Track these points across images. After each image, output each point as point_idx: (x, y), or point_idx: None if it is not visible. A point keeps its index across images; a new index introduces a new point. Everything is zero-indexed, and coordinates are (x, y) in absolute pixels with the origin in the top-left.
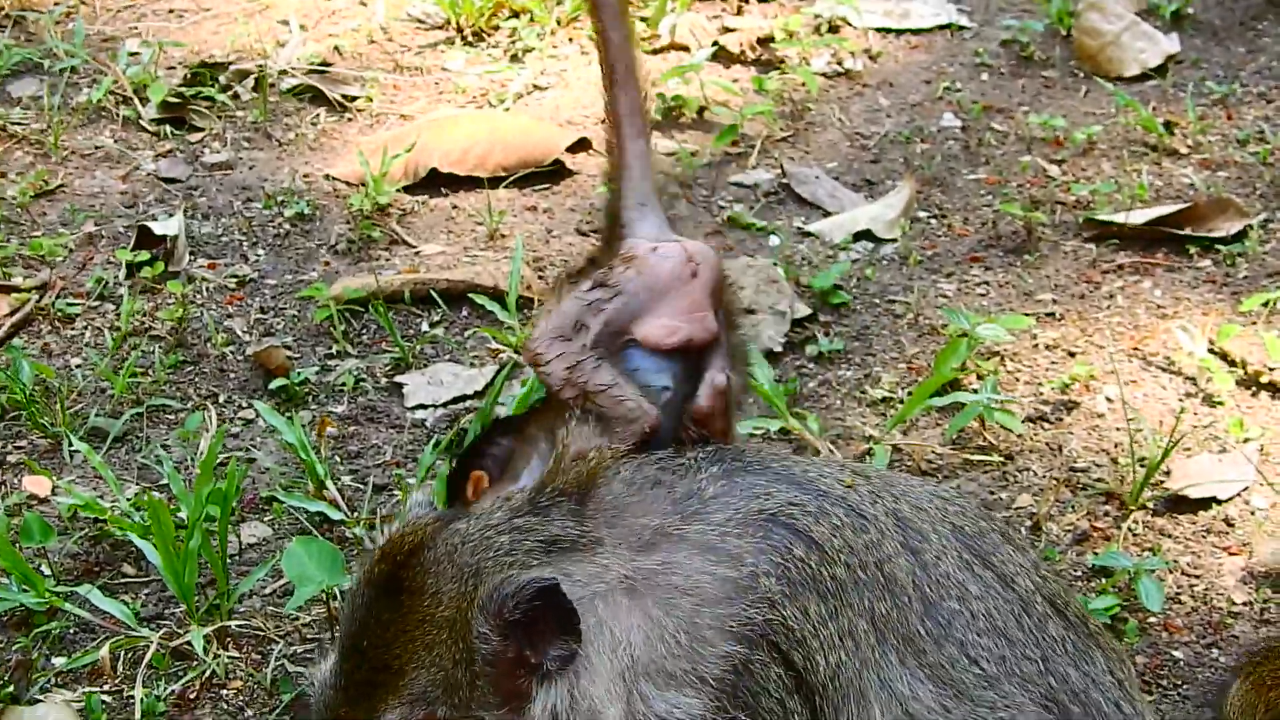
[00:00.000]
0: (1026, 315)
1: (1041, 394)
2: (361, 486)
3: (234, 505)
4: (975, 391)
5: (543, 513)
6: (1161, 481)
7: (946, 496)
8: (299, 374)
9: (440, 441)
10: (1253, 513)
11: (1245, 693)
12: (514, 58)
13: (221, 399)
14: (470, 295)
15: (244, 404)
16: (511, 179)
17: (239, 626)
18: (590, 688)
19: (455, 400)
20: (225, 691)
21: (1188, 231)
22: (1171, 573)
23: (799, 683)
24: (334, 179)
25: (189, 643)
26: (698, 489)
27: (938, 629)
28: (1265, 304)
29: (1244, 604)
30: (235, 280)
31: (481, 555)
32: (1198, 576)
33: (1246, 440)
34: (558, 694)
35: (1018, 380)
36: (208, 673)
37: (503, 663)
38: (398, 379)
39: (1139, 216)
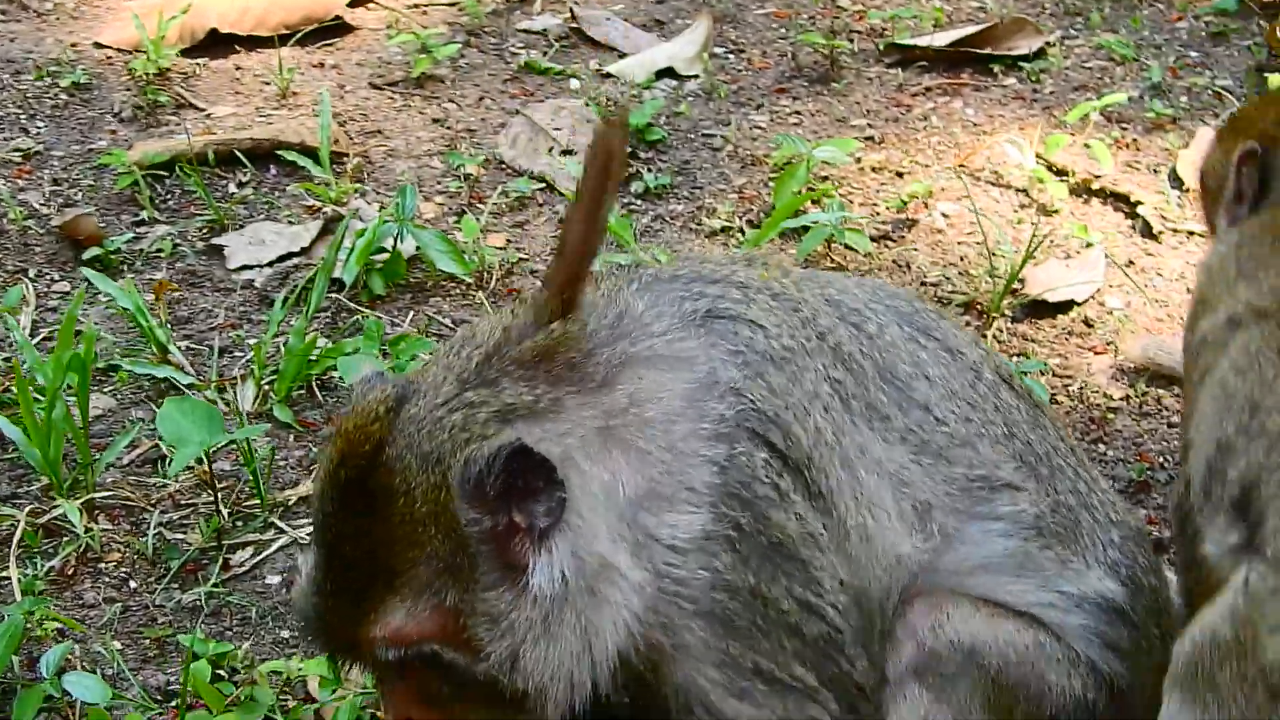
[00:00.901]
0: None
1: (879, 214)
2: (201, 349)
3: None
4: (821, 214)
5: (491, 384)
6: (1017, 289)
7: (875, 284)
8: (111, 243)
9: (277, 300)
10: (1110, 312)
11: None
12: None
13: (32, 273)
14: (277, 153)
15: (56, 277)
16: (295, 37)
17: (106, 498)
18: (593, 543)
19: (281, 259)
20: (104, 565)
21: (989, 51)
22: (1044, 375)
23: (785, 462)
24: (105, 46)
25: (57, 519)
26: (627, 309)
27: (898, 394)
28: (1084, 116)
29: (1121, 399)
30: (20, 154)
31: (439, 440)
32: (1070, 377)
33: (1089, 245)
34: (560, 556)
35: (852, 203)
36: (83, 547)
37: (497, 536)
38: (215, 241)
39: (940, 39)
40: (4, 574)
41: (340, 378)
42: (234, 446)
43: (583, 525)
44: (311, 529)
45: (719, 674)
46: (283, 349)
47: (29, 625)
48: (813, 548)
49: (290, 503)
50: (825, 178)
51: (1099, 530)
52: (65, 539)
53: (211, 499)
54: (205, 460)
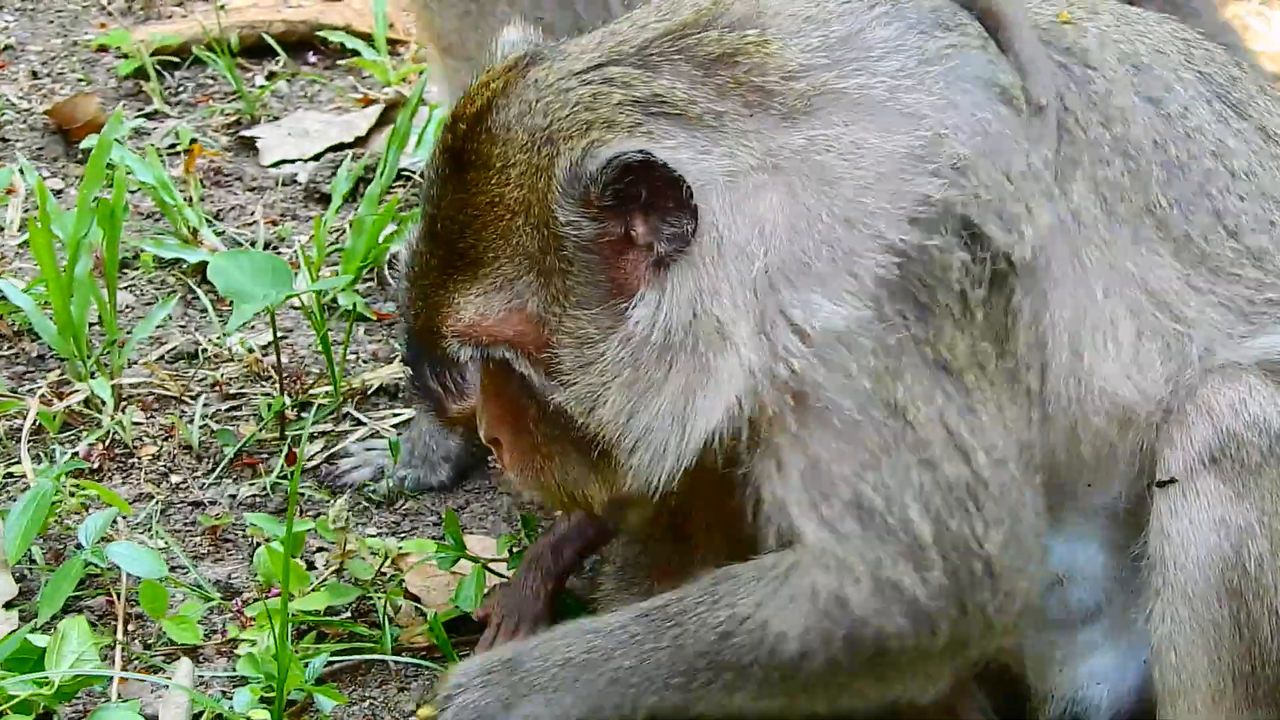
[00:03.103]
0: None
1: None
2: (240, 242)
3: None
4: None
5: (648, 66)
6: None
7: (1188, 37)
8: (115, 130)
9: (334, 185)
10: None
11: None
12: None
13: (14, 169)
14: (319, 37)
15: (46, 173)
16: None
17: (136, 386)
18: (713, 300)
19: (330, 149)
20: (137, 459)
21: None
22: None
23: (990, 268)
24: None
25: (77, 408)
26: (858, 33)
27: (1186, 196)
28: None
29: None
30: None
31: (556, 114)
32: None
33: None
34: (672, 299)
35: None
36: (110, 438)
37: (604, 248)
38: (245, 134)
39: None
40: (12, 469)
41: None
42: (288, 339)
43: (707, 274)
44: (420, 198)
45: (808, 493)
46: (347, 229)
47: (58, 502)
48: (982, 377)
49: (369, 391)
50: None
51: None
52: (85, 428)
53: (266, 391)
54: (271, 323)
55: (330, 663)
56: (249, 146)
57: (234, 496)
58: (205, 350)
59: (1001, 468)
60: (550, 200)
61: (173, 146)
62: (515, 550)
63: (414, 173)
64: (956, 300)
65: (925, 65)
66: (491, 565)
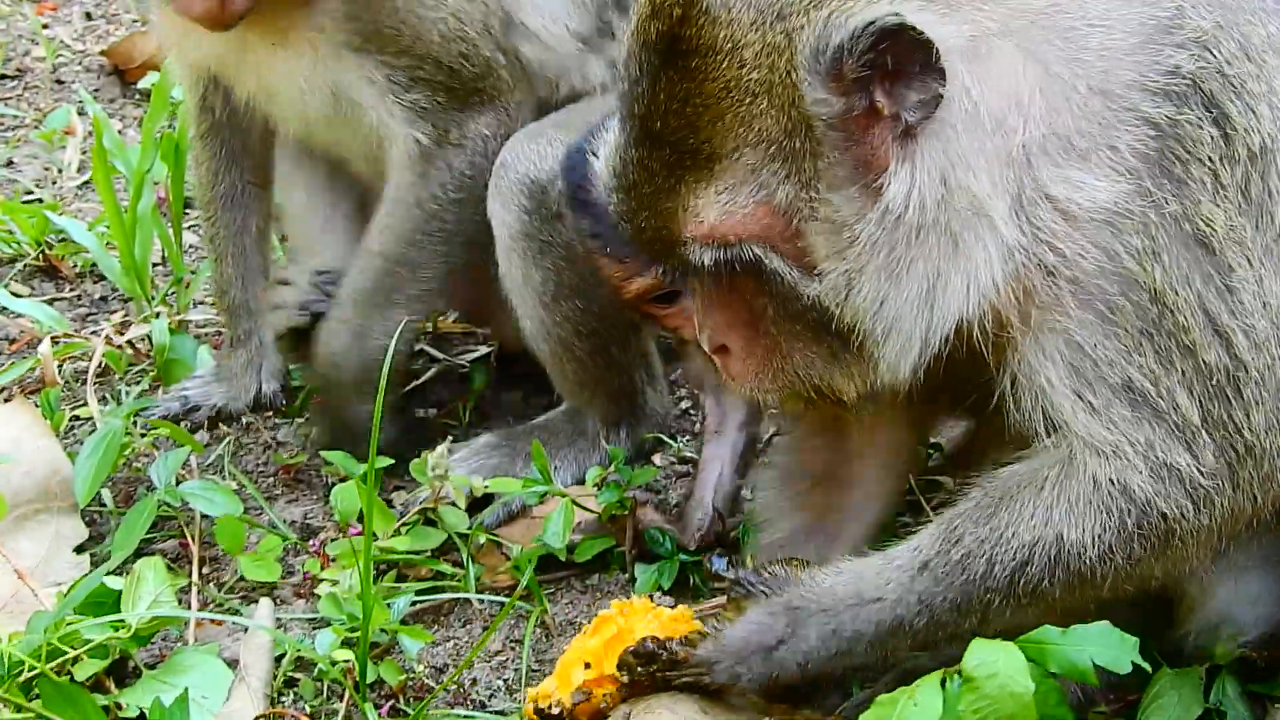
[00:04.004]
0: None
1: None
2: None
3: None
4: None
5: None
6: None
7: None
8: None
9: None
10: None
11: None
12: None
13: (74, 109)
14: None
15: (105, 113)
16: None
17: (203, 325)
18: (966, 174)
19: None
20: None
21: None
22: None
23: (1230, 146)
24: None
25: (139, 348)
26: None
27: None
28: None
29: None
30: None
31: None
32: None
33: None
34: (924, 173)
35: None
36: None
37: (851, 123)
38: None
39: None
40: (79, 411)
41: None
42: None
43: (959, 146)
44: (619, 103)
45: (1074, 380)
46: None
47: (127, 443)
48: (1240, 253)
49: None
50: None
51: None
52: (151, 370)
53: None
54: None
55: (414, 603)
56: None
57: (310, 437)
58: None
59: (1263, 351)
60: (795, 78)
61: None
62: (601, 484)
63: None
64: (1210, 175)
65: None
66: (580, 500)
